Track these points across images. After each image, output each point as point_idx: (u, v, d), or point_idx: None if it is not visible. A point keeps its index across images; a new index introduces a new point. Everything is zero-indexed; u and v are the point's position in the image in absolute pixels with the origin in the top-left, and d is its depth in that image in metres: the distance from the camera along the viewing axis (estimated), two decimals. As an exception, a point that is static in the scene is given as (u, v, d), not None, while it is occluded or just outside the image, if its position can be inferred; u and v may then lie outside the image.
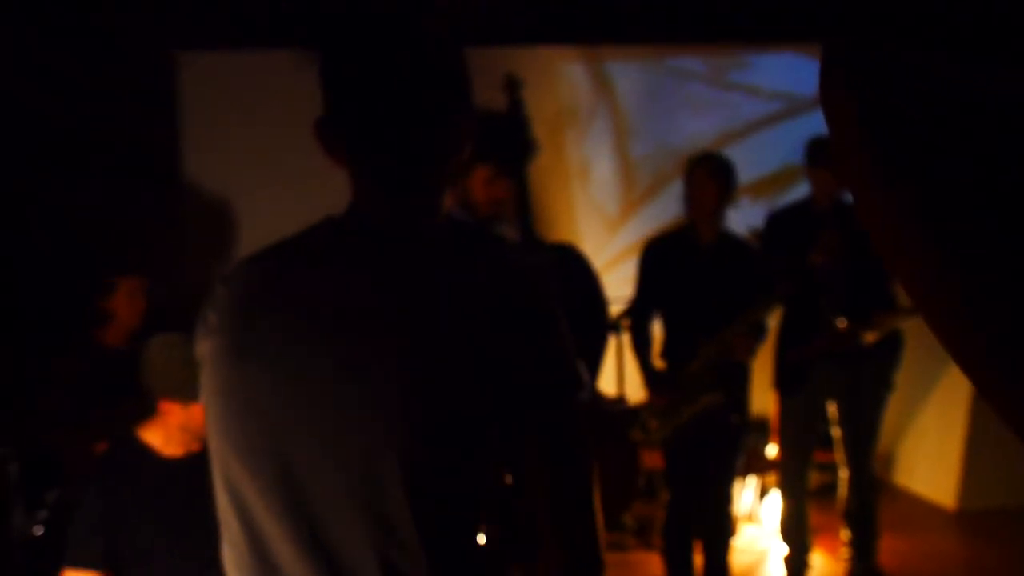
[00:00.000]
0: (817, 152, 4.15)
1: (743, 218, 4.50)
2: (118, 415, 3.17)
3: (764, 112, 5.79)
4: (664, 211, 5.62)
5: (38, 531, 3.47)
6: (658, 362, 3.96)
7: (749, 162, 5.48)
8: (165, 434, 2.70)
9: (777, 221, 4.32)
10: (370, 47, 1.31)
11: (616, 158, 5.79)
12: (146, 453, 2.71)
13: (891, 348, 4.22)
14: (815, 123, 5.63)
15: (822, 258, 4.02)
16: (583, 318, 3.37)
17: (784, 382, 4.28)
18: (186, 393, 2.60)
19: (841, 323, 4.05)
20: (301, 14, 4.29)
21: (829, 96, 0.58)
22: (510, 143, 3.18)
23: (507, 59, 4.78)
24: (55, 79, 4.18)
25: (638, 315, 4.00)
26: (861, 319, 4.05)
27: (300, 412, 1.26)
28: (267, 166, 4.92)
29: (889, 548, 4.54)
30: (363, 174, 1.34)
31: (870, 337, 4.04)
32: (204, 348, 1.36)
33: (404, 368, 1.23)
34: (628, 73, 5.70)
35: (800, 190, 5.16)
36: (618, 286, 4.75)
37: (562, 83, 5.62)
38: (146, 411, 2.81)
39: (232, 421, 1.31)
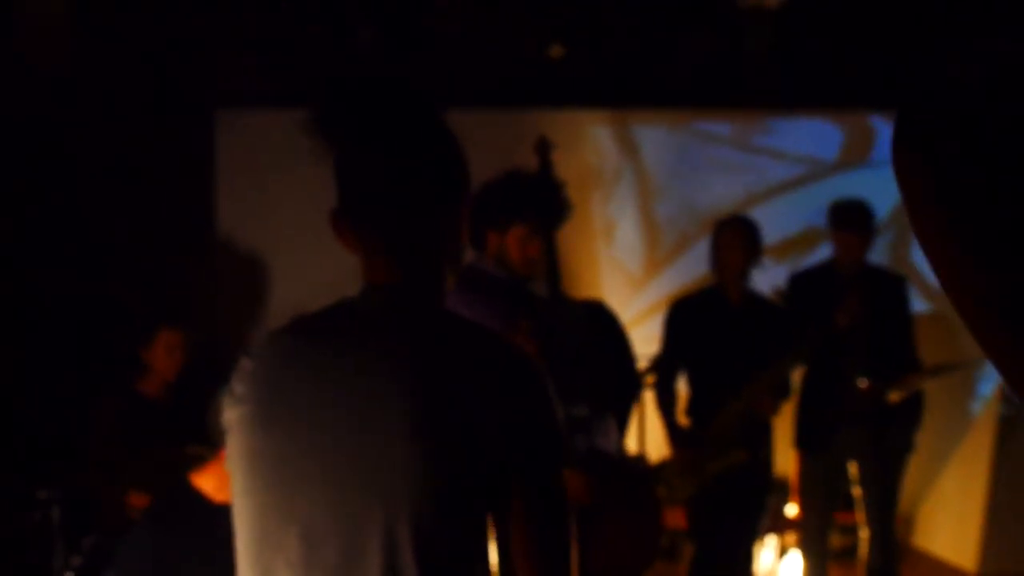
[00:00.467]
0: (840, 215, 4.23)
1: (766, 279, 4.61)
2: (157, 465, 3.25)
3: (787, 176, 5.88)
4: (688, 271, 5.70)
5: (71, 577, 3.53)
6: (682, 419, 4.03)
7: (773, 224, 5.56)
8: (219, 480, 2.75)
9: (801, 282, 4.39)
10: (374, 140, 1.46)
11: (641, 218, 5.88)
12: (198, 499, 2.77)
13: (913, 409, 4.26)
14: (837, 186, 5.71)
15: (845, 319, 4.08)
16: (612, 374, 3.43)
17: (806, 442, 4.32)
18: None
19: (862, 383, 4.10)
20: (336, 74, 4.45)
21: (901, 164, 0.59)
22: (545, 203, 3.26)
23: (537, 122, 4.93)
24: (96, 129, 4.33)
25: (664, 372, 4.08)
26: (882, 379, 4.10)
27: (321, 476, 1.39)
28: (300, 223, 5.04)
29: (910, 611, 4.54)
30: (372, 259, 1.48)
31: (895, 396, 4.09)
32: (231, 416, 1.48)
33: (415, 437, 1.36)
34: (654, 135, 5.82)
35: (822, 252, 5.24)
36: (641, 344, 4.81)
37: (589, 145, 5.74)
38: (192, 458, 2.89)
39: (257, 484, 1.44)
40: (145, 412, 3.71)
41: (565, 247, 5.26)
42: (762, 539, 4.80)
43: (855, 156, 5.86)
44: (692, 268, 5.64)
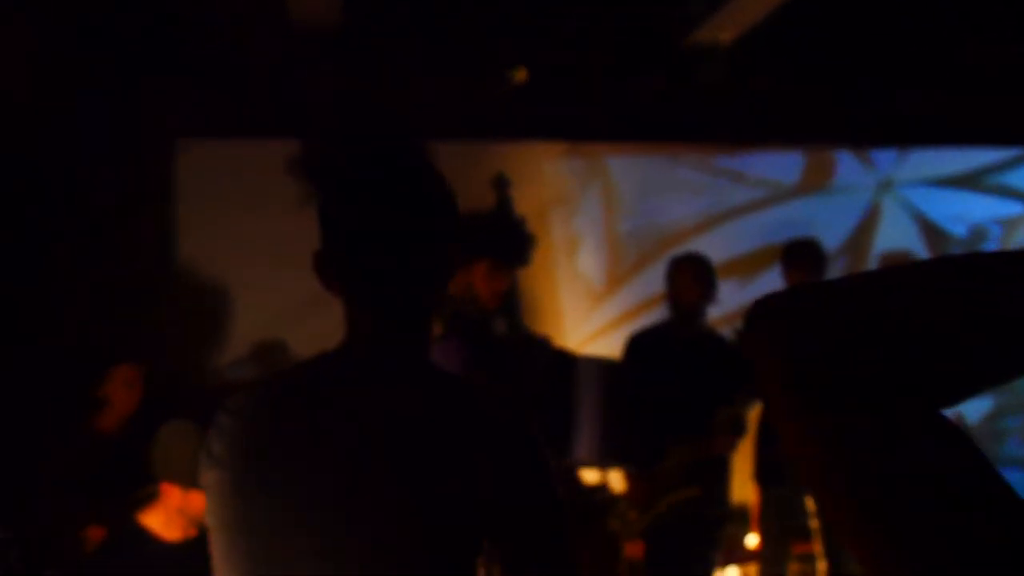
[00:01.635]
0: (794, 254, 4.29)
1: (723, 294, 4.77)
2: (113, 503, 3.23)
3: (747, 199, 5.94)
4: (647, 287, 5.73)
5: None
6: (639, 455, 4.07)
7: (731, 244, 5.66)
8: (166, 518, 2.78)
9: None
10: (365, 184, 1.43)
11: (605, 234, 5.91)
12: (146, 538, 2.77)
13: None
14: (796, 210, 5.80)
15: None
16: (566, 420, 3.46)
17: (764, 475, 4.37)
18: (186, 478, 2.70)
19: None
20: (300, 106, 4.42)
21: (752, 348, 0.64)
22: (506, 237, 3.29)
23: (497, 154, 4.98)
24: (49, 155, 4.26)
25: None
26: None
27: (304, 542, 1.35)
28: (263, 254, 5.01)
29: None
30: (358, 308, 1.44)
31: None
32: (209, 479, 1.43)
33: (402, 502, 1.33)
34: (619, 155, 5.86)
35: (776, 271, 5.32)
36: None
37: (549, 176, 5.75)
38: (142, 498, 2.89)
39: (239, 552, 1.39)
40: (101, 449, 3.66)
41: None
42: (723, 570, 4.86)
43: (815, 181, 5.92)
44: (651, 284, 5.68)
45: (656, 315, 4.75)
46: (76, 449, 3.64)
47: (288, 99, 4.42)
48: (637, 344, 4.16)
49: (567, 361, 3.68)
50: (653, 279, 5.71)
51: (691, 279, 4.04)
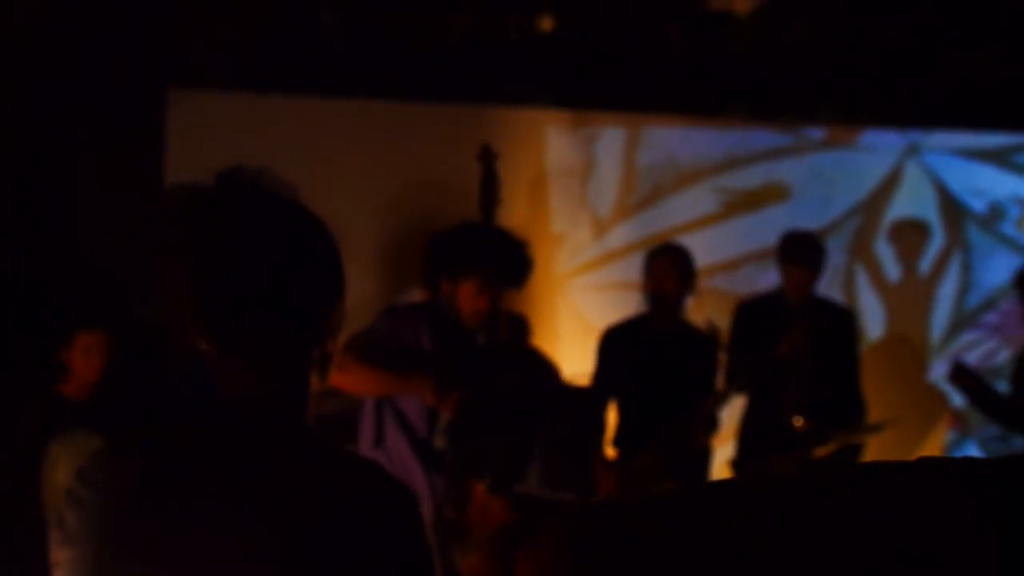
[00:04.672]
0: (790, 248, 4.16)
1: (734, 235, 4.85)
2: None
3: (772, 144, 5.76)
4: (654, 223, 5.61)
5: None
6: (609, 450, 4.06)
7: (743, 187, 5.53)
8: None
9: (746, 311, 4.34)
10: (233, 231, 1.34)
11: (621, 163, 5.76)
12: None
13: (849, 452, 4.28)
14: (816, 162, 5.62)
15: (786, 352, 4.05)
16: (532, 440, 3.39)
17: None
18: None
19: (798, 421, 4.08)
20: (298, 61, 4.26)
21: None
22: (503, 255, 3.13)
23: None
24: (39, 103, 4.14)
25: (593, 402, 4.08)
26: (819, 421, 4.08)
27: None
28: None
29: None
30: (227, 366, 1.36)
31: (821, 452, 4.07)
32: (61, 556, 1.34)
33: None
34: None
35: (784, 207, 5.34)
36: (596, 291, 4.78)
37: (563, 135, 5.58)
38: None
39: None
40: (68, 414, 3.62)
41: (529, 182, 5.20)
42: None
43: (842, 137, 5.74)
44: (659, 220, 5.56)
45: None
46: (41, 415, 3.59)
47: (290, 50, 4.26)
48: (611, 337, 4.09)
49: (535, 383, 3.58)
50: (662, 215, 5.61)
51: (670, 270, 3.92)
